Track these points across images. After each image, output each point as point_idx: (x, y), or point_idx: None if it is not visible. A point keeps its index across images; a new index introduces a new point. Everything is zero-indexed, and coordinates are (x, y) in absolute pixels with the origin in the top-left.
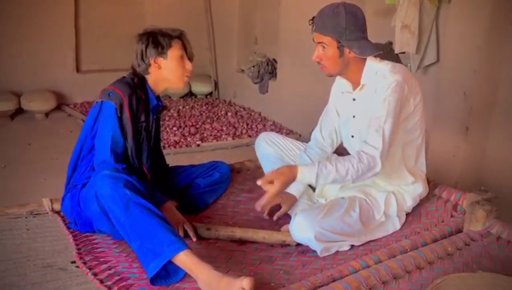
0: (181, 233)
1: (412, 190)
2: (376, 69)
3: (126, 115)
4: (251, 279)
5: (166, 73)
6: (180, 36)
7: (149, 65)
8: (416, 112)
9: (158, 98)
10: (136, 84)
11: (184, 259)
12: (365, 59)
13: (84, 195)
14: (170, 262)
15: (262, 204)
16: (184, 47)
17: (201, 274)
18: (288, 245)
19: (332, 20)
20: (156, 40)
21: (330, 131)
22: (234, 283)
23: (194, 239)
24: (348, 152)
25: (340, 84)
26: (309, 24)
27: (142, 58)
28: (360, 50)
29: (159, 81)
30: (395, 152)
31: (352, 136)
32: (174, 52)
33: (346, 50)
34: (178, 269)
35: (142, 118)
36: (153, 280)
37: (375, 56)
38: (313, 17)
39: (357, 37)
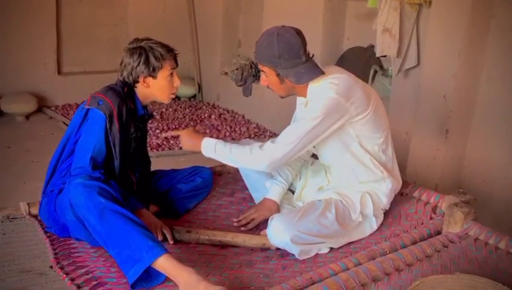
0: (159, 237)
1: (384, 187)
2: (318, 86)
3: (116, 126)
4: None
5: (154, 91)
6: (171, 55)
7: (137, 82)
8: (369, 114)
9: (145, 107)
10: (126, 93)
11: (164, 264)
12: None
13: (59, 202)
14: (150, 266)
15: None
16: (175, 64)
17: (181, 278)
18: (268, 248)
19: (267, 51)
20: (148, 60)
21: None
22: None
23: (171, 242)
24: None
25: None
26: (253, 54)
27: (130, 74)
28: (296, 79)
29: (146, 96)
30: (357, 153)
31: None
32: (165, 72)
33: (284, 78)
34: (160, 272)
35: (132, 129)
36: (135, 284)
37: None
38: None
39: (293, 64)
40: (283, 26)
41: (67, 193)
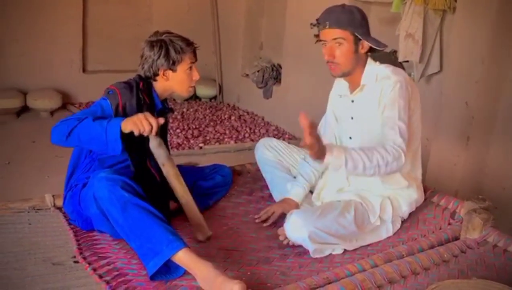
0: (147, 127)
1: (407, 195)
2: (377, 71)
3: (121, 115)
4: (243, 285)
5: (173, 84)
6: (191, 48)
7: (157, 75)
8: (414, 116)
9: (164, 101)
10: (141, 88)
11: (183, 257)
12: (367, 60)
13: (83, 196)
14: (170, 260)
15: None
16: (194, 58)
17: (199, 272)
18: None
19: (347, 15)
20: (168, 53)
21: (330, 138)
22: (226, 284)
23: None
24: None
25: (338, 88)
26: (314, 25)
27: (151, 67)
28: (375, 42)
29: (165, 89)
30: None
31: (350, 138)
32: (184, 66)
33: (360, 46)
34: (179, 265)
35: None
36: (154, 276)
37: (375, 60)
38: (317, 19)
39: (369, 32)
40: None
41: (91, 186)
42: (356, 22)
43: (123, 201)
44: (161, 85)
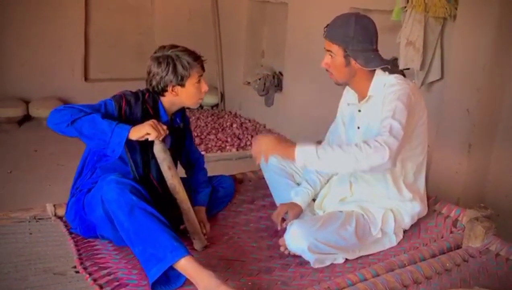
0: (162, 132)
1: (410, 208)
2: (385, 82)
3: (122, 119)
4: None
5: (182, 98)
6: (199, 62)
7: (166, 91)
8: (419, 127)
9: (174, 115)
10: (146, 99)
11: (186, 265)
12: (374, 71)
13: (89, 200)
14: (171, 268)
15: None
16: (202, 70)
17: (201, 281)
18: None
19: (341, 29)
20: (175, 69)
21: (338, 144)
22: None
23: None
24: None
25: (347, 96)
26: (324, 31)
27: (159, 83)
28: (365, 62)
29: (174, 103)
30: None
31: None
32: (193, 80)
33: (353, 60)
34: (179, 275)
35: None
36: (154, 286)
37: (384, 70)
38: (328, 24)
39: (364, 48)
40: (359, 12)
41: (99, 189)
42: (347, 38)
43: (131, 205)
44: (169, 100)
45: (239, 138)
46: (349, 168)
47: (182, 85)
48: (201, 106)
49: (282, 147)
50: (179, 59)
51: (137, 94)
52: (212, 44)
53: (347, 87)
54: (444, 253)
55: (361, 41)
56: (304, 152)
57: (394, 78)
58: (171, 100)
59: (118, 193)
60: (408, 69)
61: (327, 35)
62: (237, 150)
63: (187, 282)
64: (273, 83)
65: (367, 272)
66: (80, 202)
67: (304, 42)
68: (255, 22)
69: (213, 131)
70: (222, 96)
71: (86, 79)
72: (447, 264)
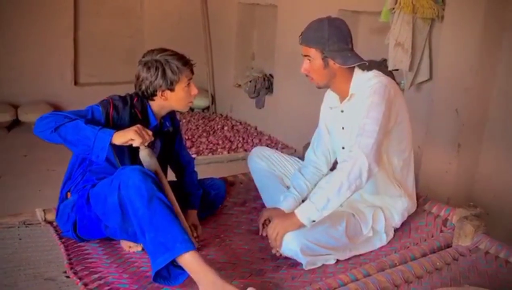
0: (147, 137)
1: (399, 205)
2: (364, 79)
3: (109, 124)
4: None
5: (172, 103)
6: (188, 67)
7: (155, 95)
8: (402, 123)
9: (164, 118)
10: (134, 104)
11: (192, 260)
12: (353, 70)
13: (97, 191)
14: (175, 265)
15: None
16: (191, 74)
17: (205, 277)
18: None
19: (316, 33)
20: (165, 74)
21: (323, 150)
22: None
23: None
24: None
25: (328, 101)
26: (299, 38)
27: (148, 88)
28: (342, 60)
29: (163, 107)
30: (382, 162)
31: (343, 148)
32: (182, 84)
33: (331, 61)
34: (180, 274)
35: None
36: (155, 277)
37: (363, 69)
38: (302, 32)
39: (340, 48)
40: (330, 16)
41: (117, 176)
42: (323, 40)
43: (151, 193)
44: (158, 104)
45: (230, 141)
46: (347, 193)
47: (172, 90)
48: (192, 109)
49: (289, 223)
50: (168, 64)
51: (125, 99)
52: (202, 47)
53: (327, 91)
54: (434, 252)
55: (337, 41)
56: (304, 212)
57: (371, 74)
58: (160, 104)
59: (140, 180)
60: (397, 70)
61: (302, 40)
62: (228, 152)
63: (187, 282)
64: (264, 85)
65: (358, 272)
66: (83, 198)
67: (294, 44)
68: (245, 25)
69: (204, 134)
70: (213, 98)
71: (75, 83)
72: (438, 263)
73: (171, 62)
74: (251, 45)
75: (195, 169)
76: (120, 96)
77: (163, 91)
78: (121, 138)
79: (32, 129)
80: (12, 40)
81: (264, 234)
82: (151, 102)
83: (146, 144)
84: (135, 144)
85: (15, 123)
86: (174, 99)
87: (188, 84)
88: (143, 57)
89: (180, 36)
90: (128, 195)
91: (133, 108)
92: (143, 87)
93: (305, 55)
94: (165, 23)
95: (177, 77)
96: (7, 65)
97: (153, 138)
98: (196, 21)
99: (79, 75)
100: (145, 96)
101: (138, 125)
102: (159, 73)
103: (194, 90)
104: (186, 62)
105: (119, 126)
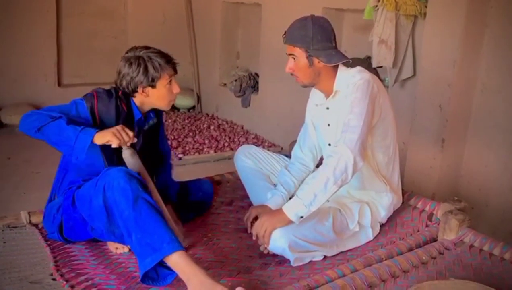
0: (126, 137)
1: (385, 200)
2: (348, 75)
3: (96, 118)
4: None
5: (153, 100)
6: (170, 65)
7: (136, 92)
8: (386, 119)
9: (146, 114)
10: (120, 96)
11: (180, 260)
12: (337, 68)
13: (82, 193)
14: (162, 265)
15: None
16: (173, 72)
17: (194, 277)
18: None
19: (300, 31)
20: (146, 71)
21: (309, 147)
22: None
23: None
24: None
25: (314, 98)
26: (283, 38)
27: (129, 84)
28: (327, 59)
29: (144, 103)
30: (367, 158)
31: (329, 144)
32: (163, 81)
33: (315, 60)
34: (169, 274)
35: None
36: (143, 278)
37: (347, 66)
38: (286, 31)
39: (324, 46)
40: (313, 15)
41: (103, 177)
42: (307, 39)
43: (136, 195)
44: (140, 100)
45: (216, 140)
46: (333, 187)
47: (153, 86)
48: (177, 109)
49: (277, 220)
50: (150, 61)
51: (110, 91)
52: (187, 47)
53: (313, 89)
54: (420, 246)
55: (321, 40)
56: (292, 209)
57: (355, 70)
58: (141, 100)
59: (125, 181)
60: (381, 67)
61: (287, 39)
62: (215, 152)
63: (175, 282)
64: (249, 84)
65: (345, 268)
66: (69, 199)
67: (278, 43)
68: (230, 24)
69: (190, 134)
70: (199, 98)
71: (59, 84)
72: (423, 257)
73: (153, 59)
74: (236, 44)
75: (172, 163)
76: (104, 89)
77: (144, 87)
78: (101, 139)
79: (16, 131)
80: None
81: (252, 232)
82: (133, 98)
83: (128, 144)
84: (113, 146)
85: None
86: (156, 96)
87: (170, 81)
88: (126, 53)
89: (165, 36)
90: (113, 196)
91: (118, 100)
92: (124, 83)
93: (290, 54)
94: (150, 23)
95: (159, 74)
96: None
97: (135, 140)
98: (181, 21)
99: (63, 76)
100: (125, 92)
101: (119, 126)
102: (141, 69)
103: (176, 89)
104: (169, 60)
105: (105, 118)
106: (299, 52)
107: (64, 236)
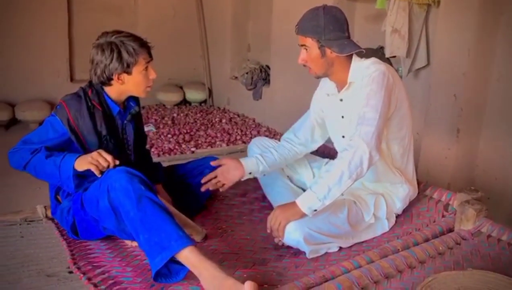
0: (105, 162)
1: (401, 191)
2: (362, 67)
3: (74, 128)
4: (255, 285)
5: (129, 87)
6: (145, 49)
7: (111, 79)
8: (401, 109)
9: (126, 103)
10: (90, 96)
11: (190, 256)
12: (351, 58)
13: (89, 196)
14: (173, 261)
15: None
16: (149, 57)
17: (206, 271)
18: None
19: (312, 22)
20: (120, 56)
21: (304, 134)
22: (238, 287)
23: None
24: None
25: (325, 87)
26: (295, 29)
27: (103, 72)
28: (339, 49)
29: (121, 92)
30: (382, 150)
31: (343, 137)
32: (139, 67)
33: (328, 50)
34: (181, 269)
35: (104, 131)
36: (156, 277)
37: (361, 56)
38: (298, 22)
39: (336, 36)
40: (325, 4)
41: (105, 179)
42: (318, 29)
43: (139, 194)
44: (116, 89)
45: (228, 133)
46: (348, 181)
47: (129, 73)
48: (189, 103)
49: (291, 213)
50: (124, 45)
51: (78, 95)
52: (197, 40)
53: (323, 79)
54: (436, 237)
55: (333, 30)
56: (305, 202)
57: (369, 61)
58: (118, 89)
59: (127, 181)
60: (394, 57)
61: (299, 30)
62: (227, 145)
63: (188, 275)
64: (261, 77)
65: (361, 259)
66: (77, 202)
67: (289, 35)
68: (240, 16)
69: (203, 127)
70: (210, 92)
71: (71, 79)
72: (440, 248)
73: (127, 44)
74: (246, 37)
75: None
76: (72, 94)
77: (119, 74)
78: (80, 167)
79: (30, 127)
80: (5, 39)
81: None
82: (108, 89)
83: (112, 166)
84: (96, 174)
85: (13, 122)
86: (132, 83)
87: (146, 67)
88: (97, 39)
89: (175, 30)
90: (117, 197)
91: (89, 102)
92: (99, 72)
93: (302, 45)
94: (160, 18)
95: (134, 59)
96: (1, 65)
97: (117, 162)
98: (191, 15)
99: (75, 71)
100: (101, 82)
101: (95, 153)
102: (114, 55)
103: (153, 74)
104: (143, 44)
105: (82, 124)
106: (311, 43)
107: (79, 236)
